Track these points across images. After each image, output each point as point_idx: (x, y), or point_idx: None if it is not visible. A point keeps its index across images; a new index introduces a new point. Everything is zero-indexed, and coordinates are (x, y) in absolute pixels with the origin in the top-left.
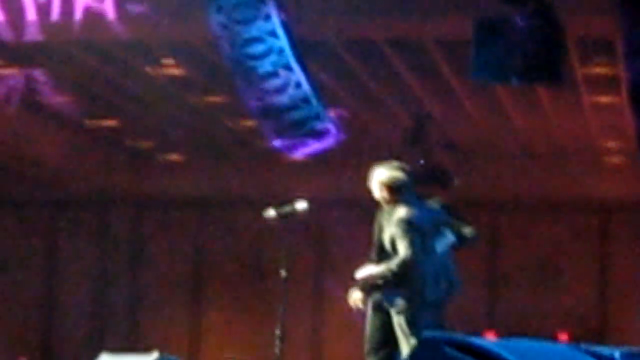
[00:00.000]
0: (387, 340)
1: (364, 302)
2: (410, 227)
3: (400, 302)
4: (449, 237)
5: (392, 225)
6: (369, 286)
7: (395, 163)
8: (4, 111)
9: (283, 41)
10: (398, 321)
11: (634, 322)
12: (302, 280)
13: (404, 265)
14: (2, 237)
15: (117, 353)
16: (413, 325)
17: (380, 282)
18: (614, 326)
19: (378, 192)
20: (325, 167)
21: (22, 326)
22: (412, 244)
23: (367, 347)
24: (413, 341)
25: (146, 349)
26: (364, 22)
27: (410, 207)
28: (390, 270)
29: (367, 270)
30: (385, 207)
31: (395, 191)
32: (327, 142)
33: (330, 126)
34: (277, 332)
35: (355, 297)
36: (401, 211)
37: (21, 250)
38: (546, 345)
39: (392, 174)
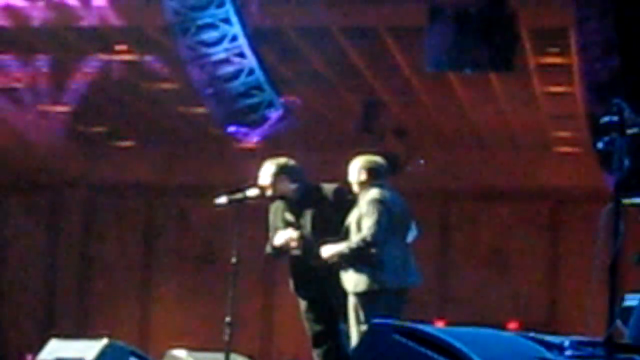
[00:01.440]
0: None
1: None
2: (380, 206)
3: (359, 282)
4: (415, 229)
5: (361, 206)
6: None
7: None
8: None
9: (236, 28)
10: (354, 302)
11: (584, 311)
12: (252, 267)
13: (364, 242)
14: None
15: (67, 340)
16: (369, 310)
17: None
18: (564, 315)
19: (356, 176)
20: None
21: None
22: (377, 223)
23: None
24: (364, 327)
25: (96, 337)
26: (317, 9)
27: (384, 190)
28: (349, 247)
29: (333, 248)
30: (359, 191)
31: (373, 174)
32: (280, 129)
33: (283, 113)
34: (227, 319)
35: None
36: (373, 192)
37: None
38: (494, 332)
39: (372, 158)
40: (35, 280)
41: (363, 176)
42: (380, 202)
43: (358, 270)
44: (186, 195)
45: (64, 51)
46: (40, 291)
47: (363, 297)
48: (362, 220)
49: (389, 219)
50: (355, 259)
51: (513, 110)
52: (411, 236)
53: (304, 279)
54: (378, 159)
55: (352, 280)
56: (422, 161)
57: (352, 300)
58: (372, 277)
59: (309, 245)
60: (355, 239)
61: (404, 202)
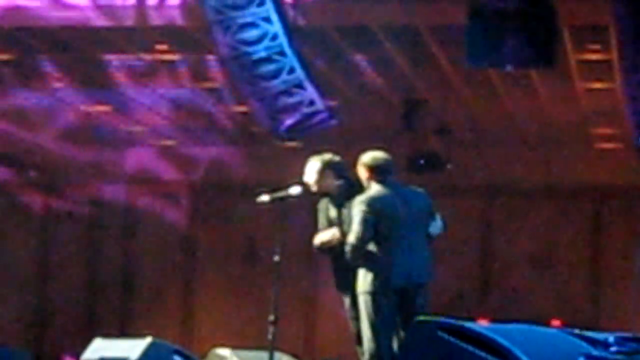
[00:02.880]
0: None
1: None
2: (363, 206)
3: (365, 281)
4: (439, 223)
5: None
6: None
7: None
8: None
9: (277, 26)
10: (362, 302)
11: (627, 308)
12: (295, 266)
13: (349, 244)
14: None
15: (110, 339)
16: (375, 309)
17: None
18: (607, 312)
19: (361, 173)
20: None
21: None
22: (359, 224)
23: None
24: (372, 324)
25: (139, 336)
26: (358, 8)
27: (380, 189)
28: (345, 252)
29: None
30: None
31: (374, 171)
32: (322, 127)
33: (325, 111)
34: (271, 317)
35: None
36: (368, 191)
37: None
38: (539, 329)
39: (374, 154)
40: (78, 278)
41: (365, 174)
42: (364, 203)
43: (366, 269)
44: (229, 194)
45: None
46: (82, 290)
47: (369, 296)
48: (352, 222)
49: (378, 219)
50: (354, 258)
51: (554, 107)
52: (436, 229)
53: (347, 276)
54: (381, 154)
55: (360, 279)
56: (449, 165)
57: (360, 300)
58: (377, 277)
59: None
60: (346, 246)
61: (419, 198)
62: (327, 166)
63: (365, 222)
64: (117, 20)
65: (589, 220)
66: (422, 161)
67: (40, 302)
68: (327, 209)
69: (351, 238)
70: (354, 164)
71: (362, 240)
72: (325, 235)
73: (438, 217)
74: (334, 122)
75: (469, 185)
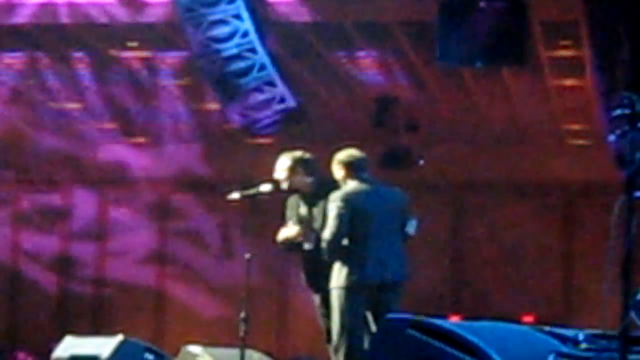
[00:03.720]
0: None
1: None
2: (339, 203)
3: (339, 276)
4: (414, 223)
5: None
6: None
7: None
8: None
9: (247, 24)
10: (334, 297)
11: (598, 304)
12: (267, 263)
13: (326, 244)
14: None
15: (81, 336)
16: (348, 304)
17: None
18: (578, 309)
19: (337, 171)
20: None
21: None
22: (333, 220)
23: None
24: (343, 320)
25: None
26: (330, 5)
27: (356, 186)
28: (320, 248)
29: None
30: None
31: (350, 168)
32: (292, 124)
33: (295, 108)
34: (242, 314)
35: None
36: (343, 188)
37: None
38: (509, 326)
39: (350, 152)
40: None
41: (341, 171)
42: (339, 199)
43: (340, 265)
44: (199, 192)
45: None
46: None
47: (343, 291)
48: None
49: (354, 215)
50: (329, 254)
51: (525, 104)
52: (412, 229)
53: (316, 274)
54: (355, 152)
55: (334, 275)
56: (422, 162)
57: (333, 295)
58: (351, 272)
59: (320, 239)
60: (322, 241)
61: (395, 196)
62: (298, 163)
63: (340, 217)
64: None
65: (560, 216)
66: (392, 158)
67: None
68: (297, 206)
69: (326, 234)
70: (325, 162)
71: (337, 236)
72: (289, 232)
73: (413, 217)
74: (304, 118)
75: (441, 181)
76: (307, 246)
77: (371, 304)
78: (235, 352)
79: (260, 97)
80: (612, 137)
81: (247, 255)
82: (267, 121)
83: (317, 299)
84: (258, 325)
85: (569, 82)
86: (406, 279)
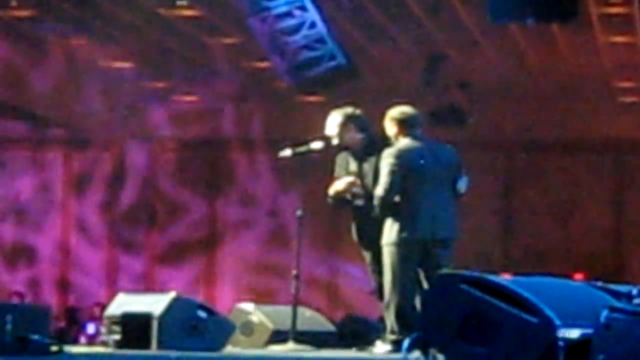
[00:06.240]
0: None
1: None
2: (392, 159)
3: (390, 233)
4: (465, 180)
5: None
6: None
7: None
8: None
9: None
10: (386, 253)
11: None
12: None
13: (378, 200)
14: None
15: (134, 294)
16: (399, 261)
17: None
18: (631, 265)
19: (389, 128)
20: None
21: None
22: (386, 176)
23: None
24: (395, 276)
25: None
26: None
27: (409, 143)
28: (374, 205)
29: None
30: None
31: (403, 125)
32: (342, 82)
33: (345, 66)
34: (294, 272)
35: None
36: (396, 145)
37: None
38: (561, 281)
39: (403, 109)
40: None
41: (394, 128)
42: (392, 156)
43: (392, 221)
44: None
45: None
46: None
47: (394, 248)
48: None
49: (407, 172)
50: (381, 210)
51: (575, 60)
52: (463, 186)
53: (367, 230)
54: (408, 109)
55: (386, 231)
56: (472, 119)
57: (385, 251)
58: (403, 229)
59: (371, 195)
60: (375, 198)
61: (448, 153)
62: (349, 119)
63: (393, 174)
64: None
65: (611, 173)
66: (443, 116)
67: None
68: (347, 163)
69: (379, 190)
70: (376, 120)
71: (389, 192)
72: (339, 185)
73: (464, 174)
74: (355, 75)
75: (491, 139)
76: (358, 202)
77: (422, 261)
78: (287, 309)
79: (310, 54)
80: None
81: (299, 212)
82: (317, 79)
83: (368, 255)
84: (310, 283)
85: (619, 38)
86: (457, 235)
